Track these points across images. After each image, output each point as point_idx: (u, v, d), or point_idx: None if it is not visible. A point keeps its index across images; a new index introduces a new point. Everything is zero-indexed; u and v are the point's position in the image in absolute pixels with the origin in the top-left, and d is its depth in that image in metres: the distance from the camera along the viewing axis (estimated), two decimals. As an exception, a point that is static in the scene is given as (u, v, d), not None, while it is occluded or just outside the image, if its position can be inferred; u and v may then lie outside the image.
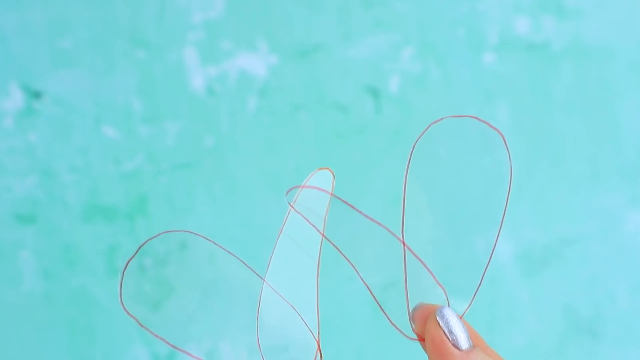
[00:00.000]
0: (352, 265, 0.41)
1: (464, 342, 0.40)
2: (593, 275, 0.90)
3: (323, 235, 0.42)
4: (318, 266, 0.42)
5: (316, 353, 0.41)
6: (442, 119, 0.42)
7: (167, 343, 0.40)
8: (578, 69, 0.90)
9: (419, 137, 0.42)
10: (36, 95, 0.81)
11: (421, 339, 0.42)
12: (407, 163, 0.41)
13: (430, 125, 0.42)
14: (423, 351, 0.42)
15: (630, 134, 0.91)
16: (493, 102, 0.88)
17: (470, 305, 0.43)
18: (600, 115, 0.90)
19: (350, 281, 0.84)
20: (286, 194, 0.41)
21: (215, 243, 0.41)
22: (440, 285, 0.42)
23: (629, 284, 0.91)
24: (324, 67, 0.86)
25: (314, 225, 0.41)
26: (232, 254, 0.41)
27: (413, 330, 0.43)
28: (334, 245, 0.41)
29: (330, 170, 0.42)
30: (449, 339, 0.40)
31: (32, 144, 0.80)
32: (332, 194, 0.41)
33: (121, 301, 0.39)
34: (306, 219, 0.41)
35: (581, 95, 0.90)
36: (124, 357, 0.82)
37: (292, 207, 0.41)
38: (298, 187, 0.41)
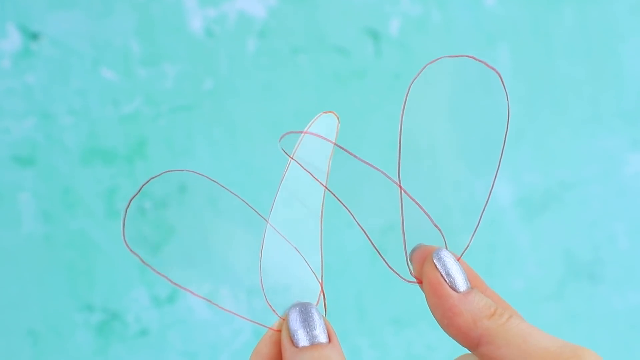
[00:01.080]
0: (348, 210, 0.40)
1: (461, 283, 0.40)
2: (593, 219, 0.91)
3: (320, 182, 0.41)
4: (322, 208, 0.42)
5: (319, 295, 0.41)
6: (438, 59, 0.41)
7: (170, 281, 0.40)
8: (580, 11, 0.89)
9: (415, 78, 0.41)
10: (34, 36, 0.80)
11: (419, 282, 0.42)
12: (403, 104, 0.41)
13: (426, 66, 0.41)
14: (422, 293, 0.42)
15: (631, 76, 0.90)
16: (494, 45, 0.88)
17: (468, 246, 0.42)
18: (602, 58, 0.90)
19: (349, 226, 0.84)
20: (280, 140, 0.41)
21: (217, 182, 0.41)
22: (437, 227, 0.41)
23: (628, 227, 0.91)
24: (324, 9, 0.85)
25: (311, 174, 0.41)
26: (235, 194, 0.41)
27: (411, 273, 0.43)
28: (331, 192, 0.41)
29: (335, 114, 0.42)
30: (446, 281, 0.40)
31: (30, 86, 0.80)
32: (326, 139, 0.41)
33: (124, 238, 0.39)
34: (304, 169, 0.41)
35: (583, 37, 0.89)
36: (124, 300, 0.82)
37: (287, 154, 0.41)
38: (293, 132, 0.41)
